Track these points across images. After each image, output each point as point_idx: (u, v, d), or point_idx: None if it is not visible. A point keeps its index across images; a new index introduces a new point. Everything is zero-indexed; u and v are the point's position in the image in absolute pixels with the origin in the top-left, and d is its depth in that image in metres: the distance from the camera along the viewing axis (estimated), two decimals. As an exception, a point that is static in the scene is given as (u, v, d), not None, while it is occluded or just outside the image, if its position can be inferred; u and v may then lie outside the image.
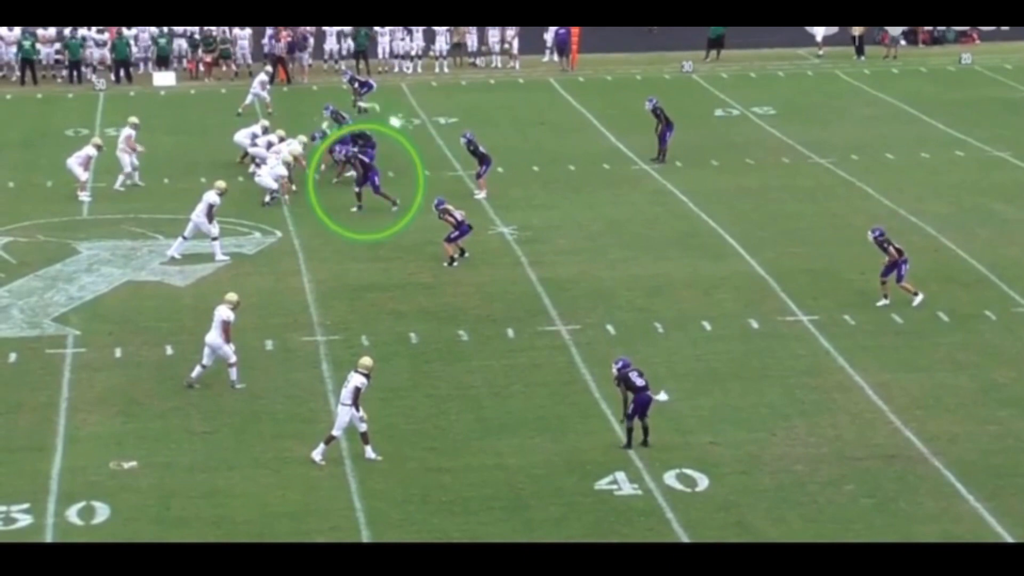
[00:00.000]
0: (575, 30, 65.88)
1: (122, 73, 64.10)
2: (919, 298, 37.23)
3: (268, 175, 46.04)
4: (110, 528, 28.07)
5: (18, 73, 63.95)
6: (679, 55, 66.53)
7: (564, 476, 29.76)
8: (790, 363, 34.74)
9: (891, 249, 37.24)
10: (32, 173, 47.03)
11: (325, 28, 66.23)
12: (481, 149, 46.54)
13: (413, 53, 66.04)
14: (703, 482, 29.42)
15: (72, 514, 28.53)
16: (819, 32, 68.76)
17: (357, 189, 45.98)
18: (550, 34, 66.81)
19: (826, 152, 51.73)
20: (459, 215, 40.59)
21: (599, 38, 67.94)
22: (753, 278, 39.72)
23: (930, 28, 71.04)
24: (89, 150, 46.49)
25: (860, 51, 67.27)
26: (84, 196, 45.79)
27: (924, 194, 46.49)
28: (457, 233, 40.38)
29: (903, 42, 69.49)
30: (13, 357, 35.57)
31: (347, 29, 65.42)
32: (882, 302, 37.37)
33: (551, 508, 28.57)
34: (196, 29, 65.97)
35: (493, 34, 66.74)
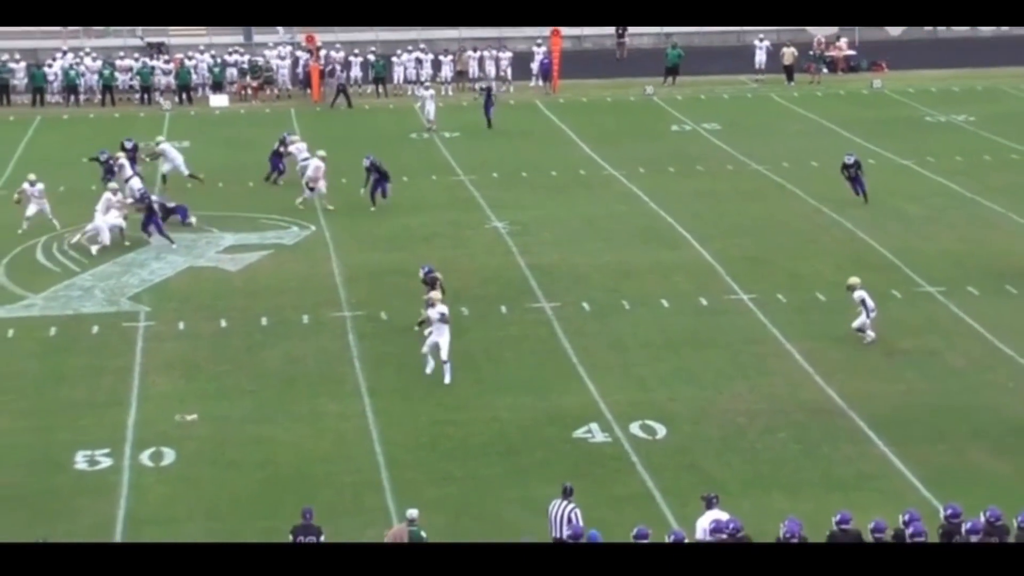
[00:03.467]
0: (556, 60, 65.98)
1: (184, 96, 64.10)
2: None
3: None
4: (175, 469, 28.13)
5: (99, 96, 63.93)
6: (642, 80, 66.46)
7: (547, 427, 29.78)
8: (733, 334, 34.75)
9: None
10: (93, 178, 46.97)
11: (351, 58, 66.23)
12: (383, 168, 45.83)
13: (423, 79, 66.00)
14: (662, 431, 29.45)
15: (144, 457, 28.57)
16: (759, 62, 68.78)
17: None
18: (536, 63, 66.99)
19: (762, 160, 51.67)
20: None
21: (576, 67, 68.02)
22: (703, 264, 39.71)
23: (846, 57, 71.04)
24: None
25: (790, 78, 67.22)
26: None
27: (843, 196, 46.41)
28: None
29: (825, 70, 69.60)
30: (96, 329, 35.56)
31: (370, 58, 65.46)
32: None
33: (537, 453, 28.60)
34: (245, 59, 66.10)
35: (490, 63, 66.93)
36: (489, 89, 55.83)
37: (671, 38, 70.71)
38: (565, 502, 23.40)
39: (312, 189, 45.36)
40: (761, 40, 69.76)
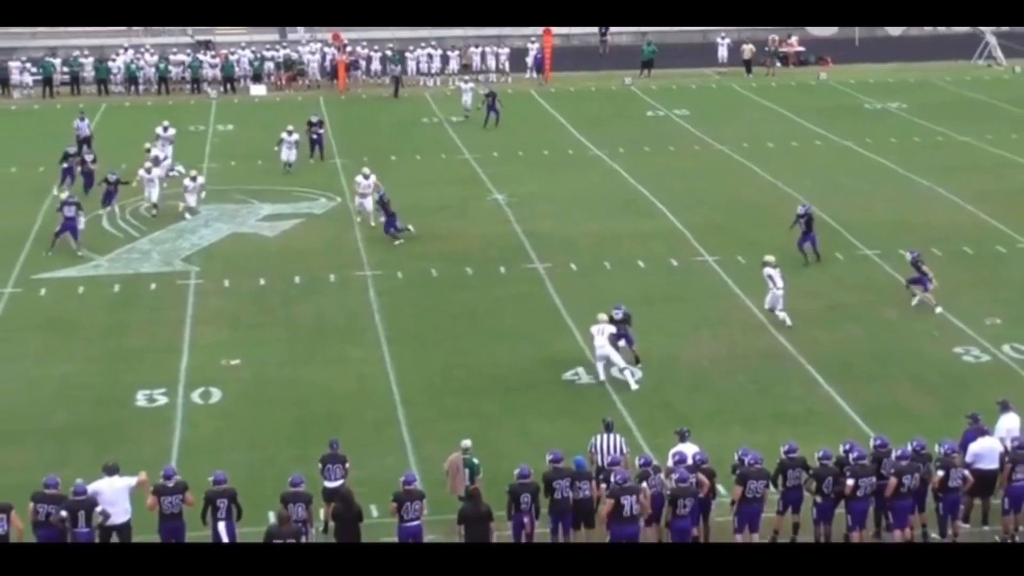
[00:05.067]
0: (548, 55, 65.87)
1: (228, 86, 63.94)
2: (939, 309, 32.84)
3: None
4: (221, 406, 28.22)
5: (156, 87, 63.82)
6: (622, 72, 66.30)
7: (540, 371, 29.84)
8: (699, 290, 34.82)
9: (924, 269, 33.10)
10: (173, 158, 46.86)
11: (372, 53, 66.09)
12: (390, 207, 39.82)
13: (433, 71, 65.98)
14: (638, 374, 29.51)
15: (195, 396, 28.64)
16: (721, 57, 68.74)
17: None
18: (530, 57, 66.92)
19: (725, 142, 51.57)
20: None
21: (566, 61, 67.85)
22: (674, 231, 39.70)
23: (797, 53, 70.89)
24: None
25: (748, 71, 66.99)
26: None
27: (794, 172, 46.42)
28: None
29: (779, 64, 69.43)
30: (153, 286, 35.59)
31: (388, 54, 65.33)
32: (915, 300, 33.13)
33: (531, 393, 28.68)
34: (280, 55, 65.98)
35: (491, 57, 66.87)
36: (493, 95, 55.03)
37: (646, 36, 70.42)
38: (610, 435, 23.46)
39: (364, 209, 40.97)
40: (723, 38, 69.74)
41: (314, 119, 49.32)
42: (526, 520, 21.75)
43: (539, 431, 26.04)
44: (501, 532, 21.59)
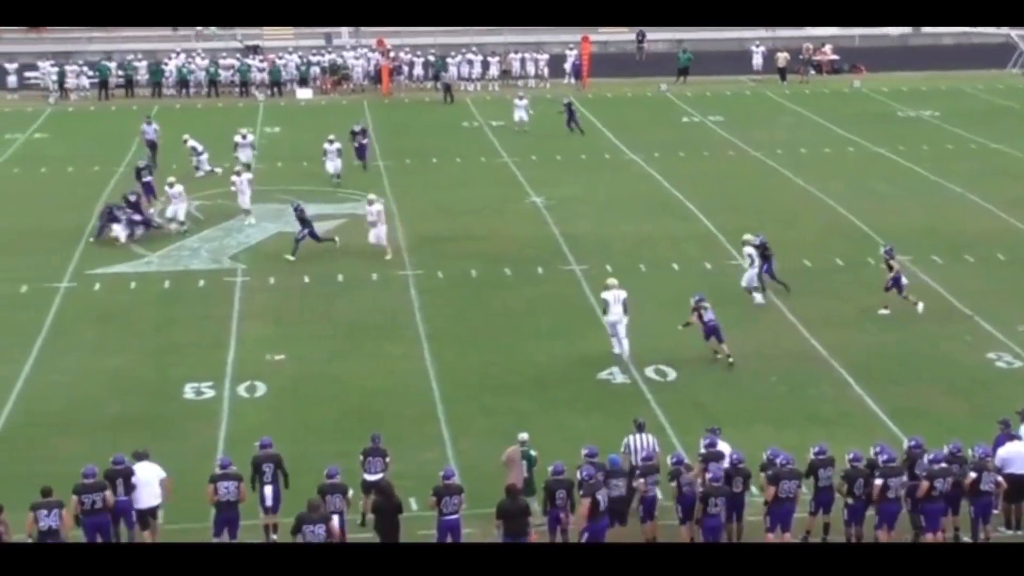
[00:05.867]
0: (586, 61, 65.81)
1: (276, 90, 64.12)
2: (920, 306, 32.76)
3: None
4: (266, 400, 28.23)
5: (206, 89, 64.07)
6: (658, 79, 66.19)
7: (575, 369, 29.74)
8: (731, 292, 34.52)
9: (892, 264, 32.86)
10: (215, 159, 46.92)
11: (414, 58, 66.11)
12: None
13: (473, 76, 65.96)
14: (672, 374, 29.39)
15: (241, 389, 28.67)
16: (756, 64, 68.49)
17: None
18: (568, 64, 66.87)
19: (759, 148, 51.37)
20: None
21: (603, 67, 67.71)
22: (708, 235, 39.52)
23: (831, 61, 70.55)
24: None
25: (783, 78, 66.80)
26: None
27: (826, 177, 46.19)
28: None
29: (813, 72, 69.16)
30: (202, 283, 35.66)
31: (431, 59, 65.33)
32: (883, 311, 32.81)
33: (566, 390, 28.59)
34: (326, 59, 66.15)
35: (530, 64, 66.83)
36: (569, 104, 54.39)
37: (682, 44, 70.27)
38: (643, 434, 23.35)
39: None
40: (757, 46, 69.53)
41: (356, 128, 48.26)
42: (561, 515, 21.68)
43: (574, 428, 25.92)
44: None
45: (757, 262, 32.50)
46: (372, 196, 38.38)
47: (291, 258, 37.16)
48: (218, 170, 44.71)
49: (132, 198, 39.82)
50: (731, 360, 29.88)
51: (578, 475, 21.59)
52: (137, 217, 39.20)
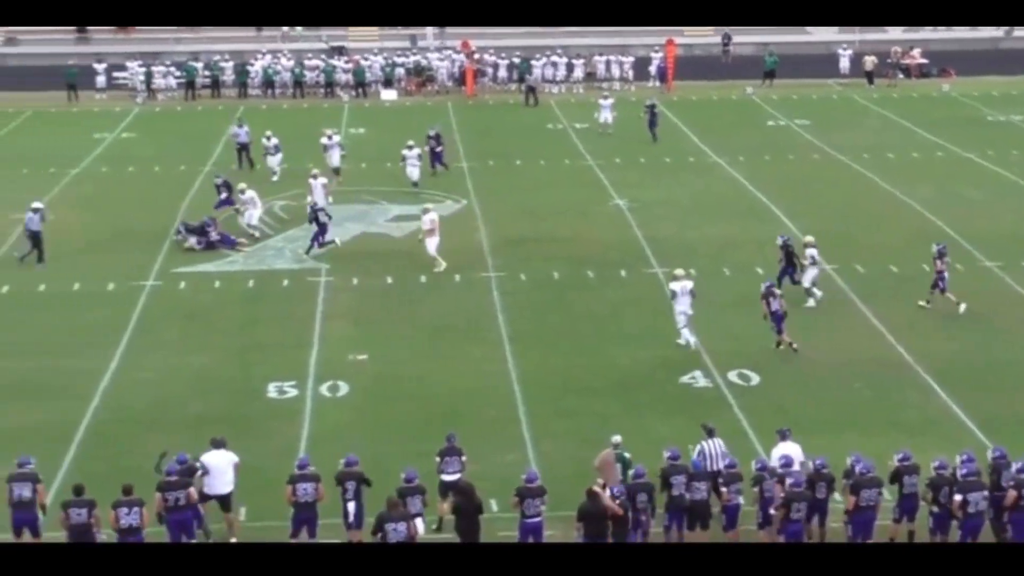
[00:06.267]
0: (671, 64, 65.61)
1: (360, 91, 64.49)
2: (963, 307, 32.92)
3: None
4: (348, 400, 28.38)
5: (291, 90, 64.54)
6: (743, 82, 65.80)
7: (658, 372, 29.67)
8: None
9: (937, 263, 33.00)
10: (300, 158, 47.24)
11: (499, 60, 66.24)
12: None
13: (558, 79, 65.94)
14: (755, 379, 29.24)
15: (323, 389, 28.85)
16: (843, 68, 67.95)
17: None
18: (653, 66, 66.69)
19: (845, 152, 50.92)
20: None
21: (688, 70, 67.43)
22: (792, 238, 39.19)
23: (920, 65, 69.83)
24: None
25: (870, 82, 66.18)
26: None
27: (913, 181, 45.72)
28: None
29: (901, 75, 68.50)
30: (286, 282, 35.93)
31: (515, 61, 65.38)
32: (962, 308, 32.85)
33: (648, 393, 28.51)
34: (411, 61, 66.47)
35: (615, 66, 66.75)
36: (653, 106, 53.91)
37: (768, 47, 69.83)
38: (715, 440, 23.27)
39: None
40: (845, 49, 68.93)
41: (432, 132, 47.84)
42: (643, 519, 21.64)
43: (656, 432, 25.82)
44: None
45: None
46: (428, 205, 38.31)
47: (306, 256, 37.66)
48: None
49: (207, 223, 39.23)
50: (795, 347, 30.27)
51: (787, 481, 21.54)
52: (200, 239, 38.77)
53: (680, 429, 26.07)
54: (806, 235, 34.87)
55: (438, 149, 47.38)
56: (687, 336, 30.89)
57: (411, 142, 45.69)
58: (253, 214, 39.82)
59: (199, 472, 22.40)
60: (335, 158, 46.04)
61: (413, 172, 45.13)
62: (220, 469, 22.46)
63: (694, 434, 24.68)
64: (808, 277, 33.80)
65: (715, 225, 40.84)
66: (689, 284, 31.11)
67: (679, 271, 32.01)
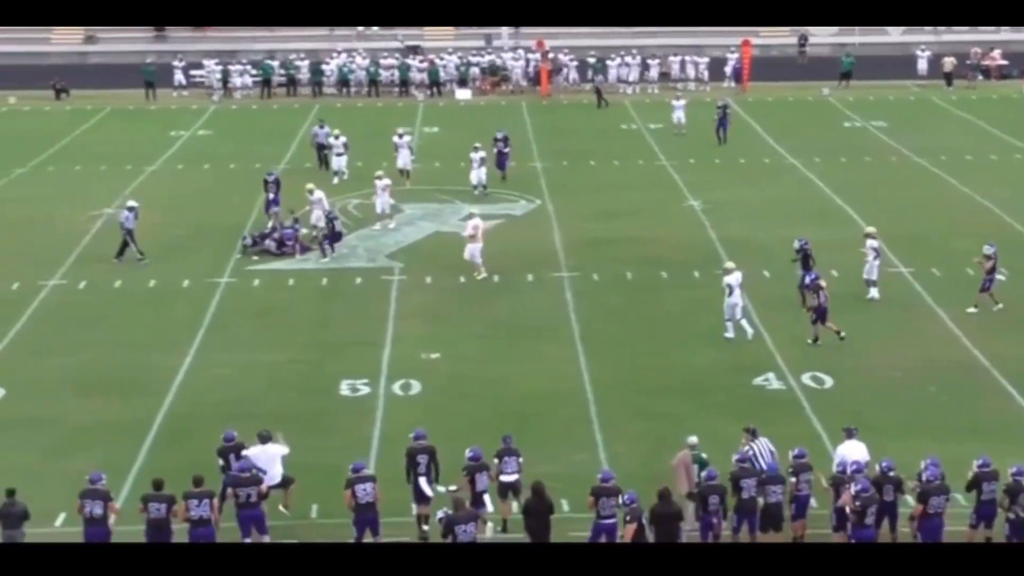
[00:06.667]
0: (747, 65, 65.34)
1: (435, 90, 64.71)
2: (999, 307, 33.08)
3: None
4: (420, 398, 28.48)
5: (366, 89, 64.90)
6: (819, 83, 65.37)
7: (730, 373, 29.57)
8: (893, 300, 34.11)
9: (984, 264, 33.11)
10: (373, 157, 47.47)
11: (566, 60, 66.22)
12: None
13: (632, 79, 65.83)
14: (828, 381, 29.06)
15: (396, 387, 28.98)
16: (921, 69, 67.38)
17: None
18: (729, 67, 66.43)
19: (923, 154, 50.50)
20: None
21: (763, 70, 67.07)
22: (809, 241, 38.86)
23: (1000, 66, 69.09)
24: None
25: (949, 82, 65.58)
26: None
27: (991, 184, 45.26)
28: None
29: (980, 77, 67.80)
30: (359, 281, 36.13)
31: (590, 60, 65.31)
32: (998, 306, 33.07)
33: (721, 395, 28.43)
34: (485, 60, 66.64)
35: (690, 66, 66.56)
36: (725, 107, 53.53)
37: (845, 48, 69.36)
38: (761, 439, 23.18)
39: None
40: (923, 50, 68.34)
41: (499, 135, 47.37)
42: (714, 521, 21.59)
43: (728, 434, 25.67)
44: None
45: (737, 293, 31.87)
46: (473, 210, 37.86)
47: (325, 259, 37.52)
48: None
49: (280, 232, 38.93)
50: (842, 335, 30.70)
51: (853, 487, 21.34)
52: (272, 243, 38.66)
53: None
54: (868, 226, 35.00)
55: (505, 151, 47.07)
56: (745, 327, 31.24)
57: (478, 144, 45.52)
58: (320, 215, 39.44)
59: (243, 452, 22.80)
60: (404, 159, 46.04)
61: (478, 176, 44.74)
62: (265, 463, 22.61)
63: (769, 437, 24.53)
64: (870, 269, 33.86)
65: (789, 227, 40.46)
66: (739, 275, 31.60)
67: (730, 264, 32.36)
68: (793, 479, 22.03)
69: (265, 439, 23.02)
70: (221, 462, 22.77)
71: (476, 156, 44.78)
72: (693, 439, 22.99)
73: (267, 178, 40.80)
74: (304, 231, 39.10)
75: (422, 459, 22.40)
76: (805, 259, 33.88)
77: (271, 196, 40.38)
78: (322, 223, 38.98)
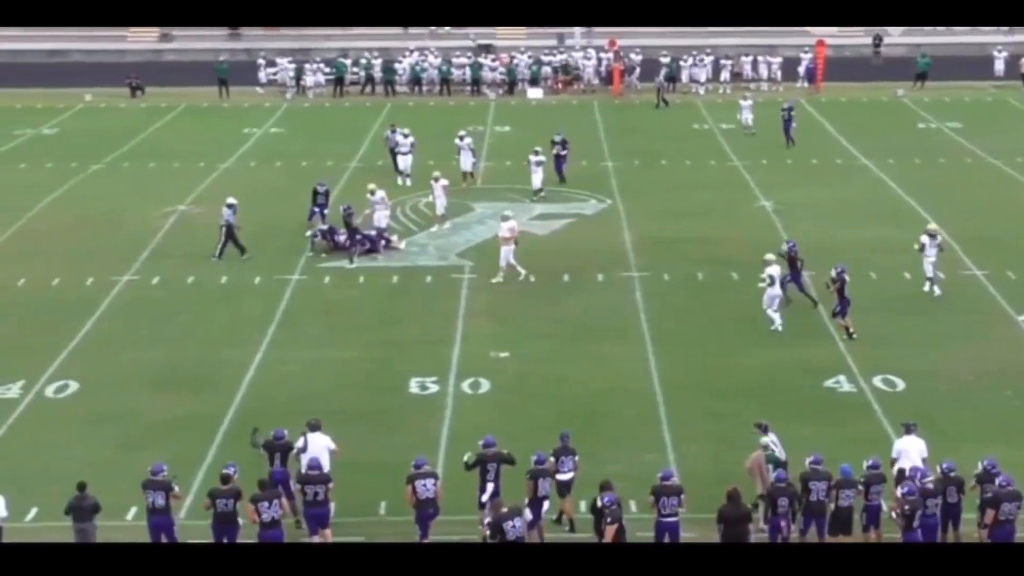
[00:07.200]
0: (820, 65, 64.88)
1: (507, 89, 64.78)
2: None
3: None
4: (489, 397, 28.54)
5: (438, 88, 65.04)
6: (894, 84, 64.81)
7: (801, 375, 29.41)
8: (966, 303, 33.79)
9: None
10: (447, 156, 47.52)
11: (633, 58, 66.04)
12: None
13: (703, 79, 65.54)
14: (900, 384, 28.82)
15: (465, 386, 29.05)
16: (998, 70, 66.62)
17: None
18: (802, 67, 65.98)
19: (998, 155, 49.93)
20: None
21: (837, 71, 66.55)
22: (942, 243, 38.44)
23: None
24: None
25: (1026, 84, 64.93)
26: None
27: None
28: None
29: (1058, 77, 67.03)
30: (428, 279, 36.22)
31: (662, 59, 65.06)
32: None
33: (791, 396, 28.27)
34: (557, 59, 66.60)
35: (763, 67, 66.19)
36: (790, 108, 52.86)
37: (921, 48, 68.72)
38: (772, 434, 23.27)
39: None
40: (1000, 51, 67.55)
41: (557, 137, 46.68)
42: (783, 523, 21.47)
43: (798, 436, 25.52)
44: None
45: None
46: (508, 212, 37.43)
47: (350, 265, 37.03)
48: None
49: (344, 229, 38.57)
50: (854, 335, 30.87)
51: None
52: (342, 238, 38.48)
53: (823, 434, 25.83)
54: (928, 224, 35.16)
55: (562, 153, 46.30)
56: (778, 319, 31.82)
57: (538, 148, 45.11)
58: (383, 215, 39.30)
59: (295, 450, 23.05)
60: (467, 161, 45.94)
61: (536, 179, 44.24)
62: (313, 452, 22.92)
63: (839, 439, 24.56)
64: (928, 264, 34.11)
65: (862, 228, 40.30)
66: (779, 268, 32.30)
67: (769, 256, 32.57)
68: (864, 488, 21.88)
69: (315, 427, 23.38)
70: (266, 454, 23.10)
71: (534, 159, 44.36)
72: (764, 440, 22.89)
73: (317, 188, 40.39)
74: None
75: (491, 466, 22.42)
76: (792, 262, 33.58)
77: (317, 206, 39.90)
78: (384, 224, 38.96)
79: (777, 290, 32.08)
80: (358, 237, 37.83)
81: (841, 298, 31.31)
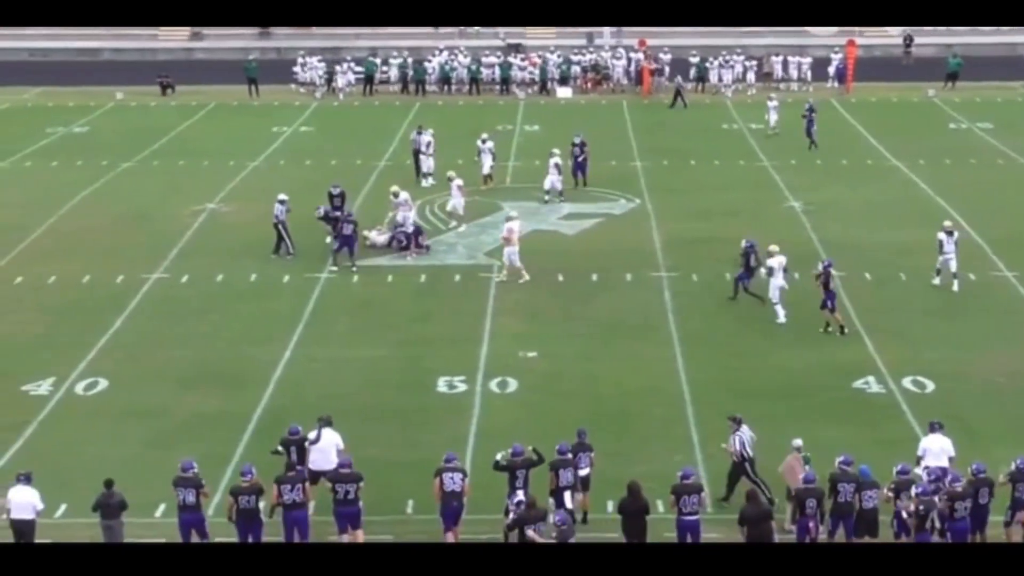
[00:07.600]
0: (851, 65, 64.64)
1: (537, 88, 64.78)
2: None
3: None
4: (517, 396, 28.54)
5: (467, 87, 65.09)
6: (925, 84, 64.54)
7: (830, 376, 29.31)
8: (995, 305, 33.64)
9: None
10: (472, 156, 47.50)
11: (662, 58, 65.95)
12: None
13: (734, 79, 65.37)
14: (930, 386, 28.71)
15: (492, 385, 29.05)
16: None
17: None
18: (832, 67, 65.77)
19: (1030, 156, 49.86)
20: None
21: (868, 71, 66.31)
22: (972, 244, 38.30)
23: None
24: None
25: (1058, 84, 64.63)
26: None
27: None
28: None
29: (1091, 78, 66.76)
30: (457, 278, 36.25)
31: (692, 60, 64.95)
32: None
33: (818, 398, 28.19)
34: (587, 59, 66.55)
35: (792, 67, 66.00)
36: (811, 109, 52.22)
37: (952, 48, 68.42)
38: (744, 428, 23.46)
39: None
40: (1033, 51, 67.33)
41: (577, 139, 46.26)
42: (811, 525, 21.42)
43: (825, 437, 25.47)
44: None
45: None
46: (512, 213, 37.32)
47: (354, 268, 36.69)
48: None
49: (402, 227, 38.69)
50: (845, 330, 31.15)
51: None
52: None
53: (852, 435, 25.76)
54: (945, 221, 35.37)
55: (580, 158, 45.90)
56: (781, 311, 32.13)
57: (556, 149, 44.94)
58: (408, 216, 38.94)
59: (309, 440, 23.32)
60: (487, 164, 45.76)
61: (548, 181, 44.00)
62: (322, 447, 23.29)
63: (868, 440, 24.47)
64: (942, 260, 34.40)
65: (891, 229, 40.15)
66: (784, 259, 32.38)
67: (774, 247, 32.75)
68: (890, 493, 21.80)
69: (326, 423, 23.65)
70: (282, 451, 23.34)
71: (551, 161, 44.09)
72: (798, 441, 22.86)
73: (331, 191, 39.98)
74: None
75: (520, 473, 22.43)
76: (747, 260, 33.62)
77: (330, 208, 39.21)
78: (408, 225, 38.71)
79: (780, 281, 32.42)
80: (397, 235, 38.01)
81: (827, 291, 31.43)
